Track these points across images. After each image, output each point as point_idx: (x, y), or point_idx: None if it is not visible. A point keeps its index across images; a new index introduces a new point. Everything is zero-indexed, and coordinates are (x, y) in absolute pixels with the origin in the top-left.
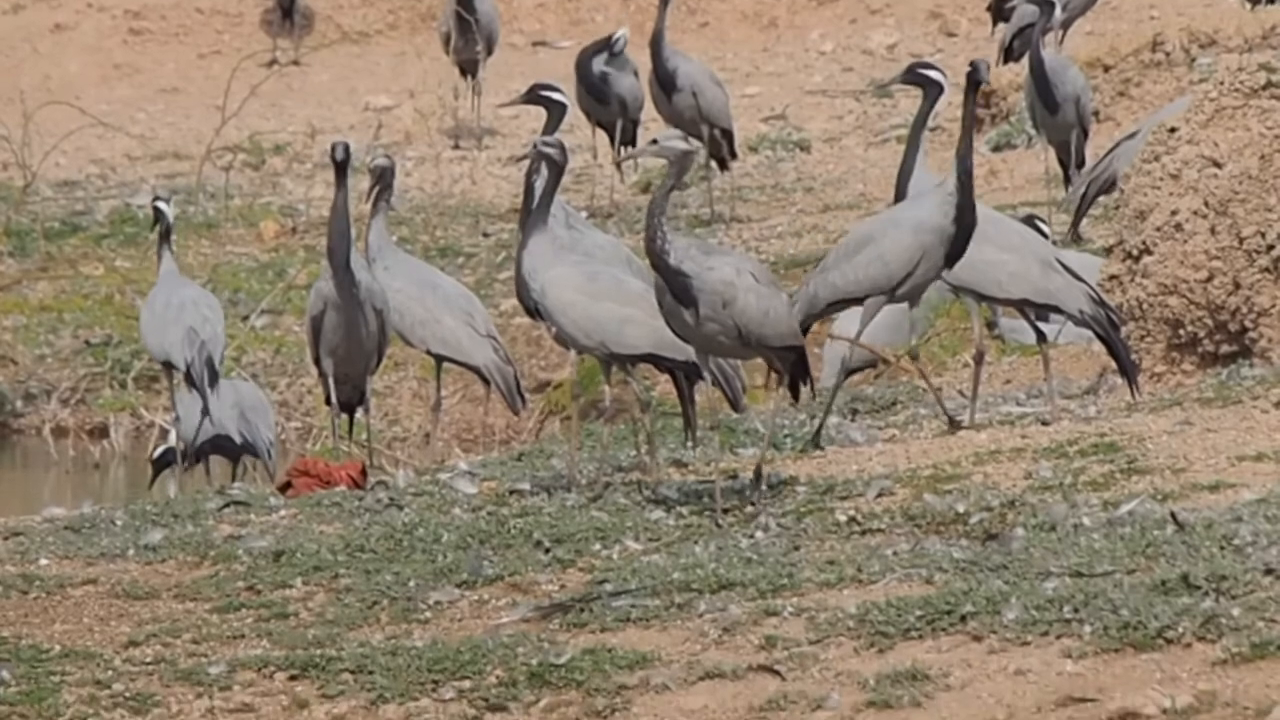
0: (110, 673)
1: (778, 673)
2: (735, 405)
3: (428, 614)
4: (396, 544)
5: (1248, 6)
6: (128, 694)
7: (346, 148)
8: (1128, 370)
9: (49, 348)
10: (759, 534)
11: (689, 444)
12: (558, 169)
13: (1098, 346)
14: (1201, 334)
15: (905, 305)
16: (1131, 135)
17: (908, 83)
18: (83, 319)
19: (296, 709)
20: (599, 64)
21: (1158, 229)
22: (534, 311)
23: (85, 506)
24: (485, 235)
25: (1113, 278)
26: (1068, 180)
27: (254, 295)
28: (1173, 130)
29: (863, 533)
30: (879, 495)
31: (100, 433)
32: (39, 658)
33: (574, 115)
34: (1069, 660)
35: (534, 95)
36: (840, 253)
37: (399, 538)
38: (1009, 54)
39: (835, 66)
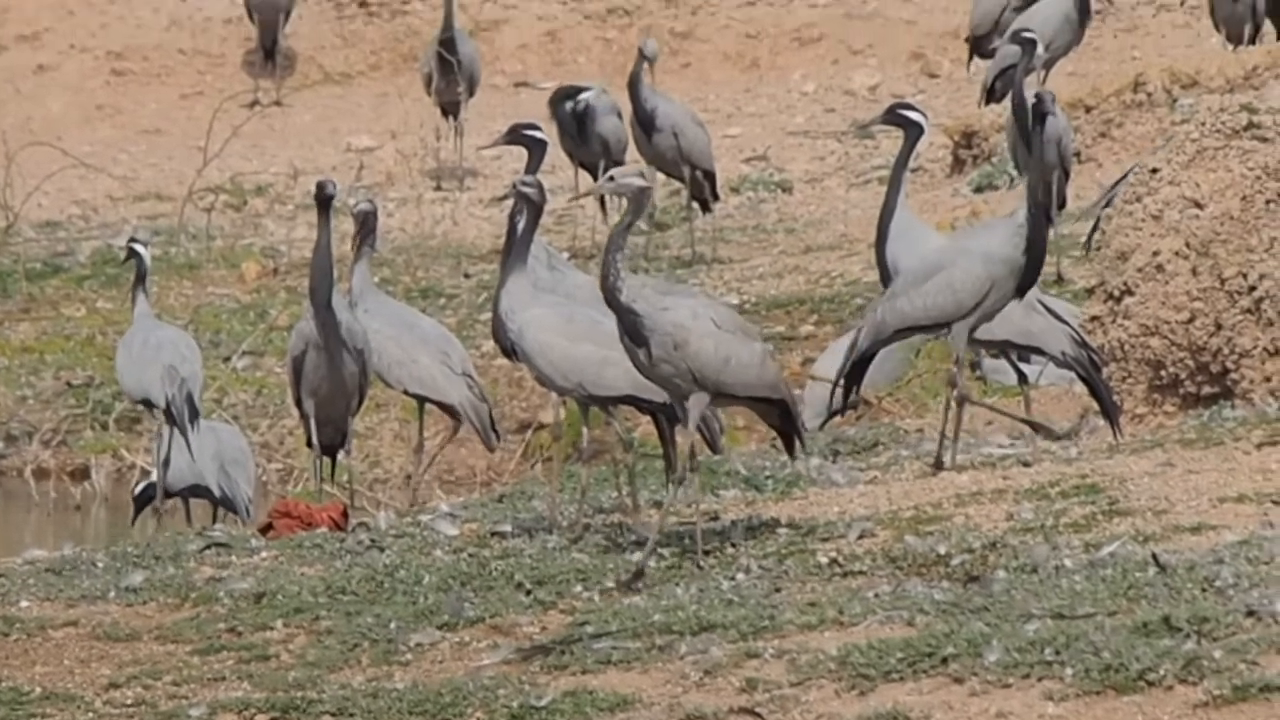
0: (91, 715)
1: (759, 715)
2: (713, 447)
3: (409, 656)
4: (378, 586)
5: (1229, 47)
6: None
7: (334, 185)
8: (1109, 411)
9: (30, 389)
10: (740, 576)
11: (670, 485)
12: (536, 209)
13: (1080, 388)
14: (1183, 375)
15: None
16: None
17: (888, 124)
18: (64, 360)
19: None
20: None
21: (1139, 270)
22: (511, 352)
23: (66, 548)
24: (467, 276)
25: (1094, 319)
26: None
27: (236, 337)
28: (1154, 171)
29: (844, 574)
30: (860, 537)
31: (82, 474)
32: (19, 700)
33: (557, 156)
34: (1050, 703)
35: (515, 135)
36: (908, 280)
37: (380, 580)
38: (991, 95)
39: (817, 107)
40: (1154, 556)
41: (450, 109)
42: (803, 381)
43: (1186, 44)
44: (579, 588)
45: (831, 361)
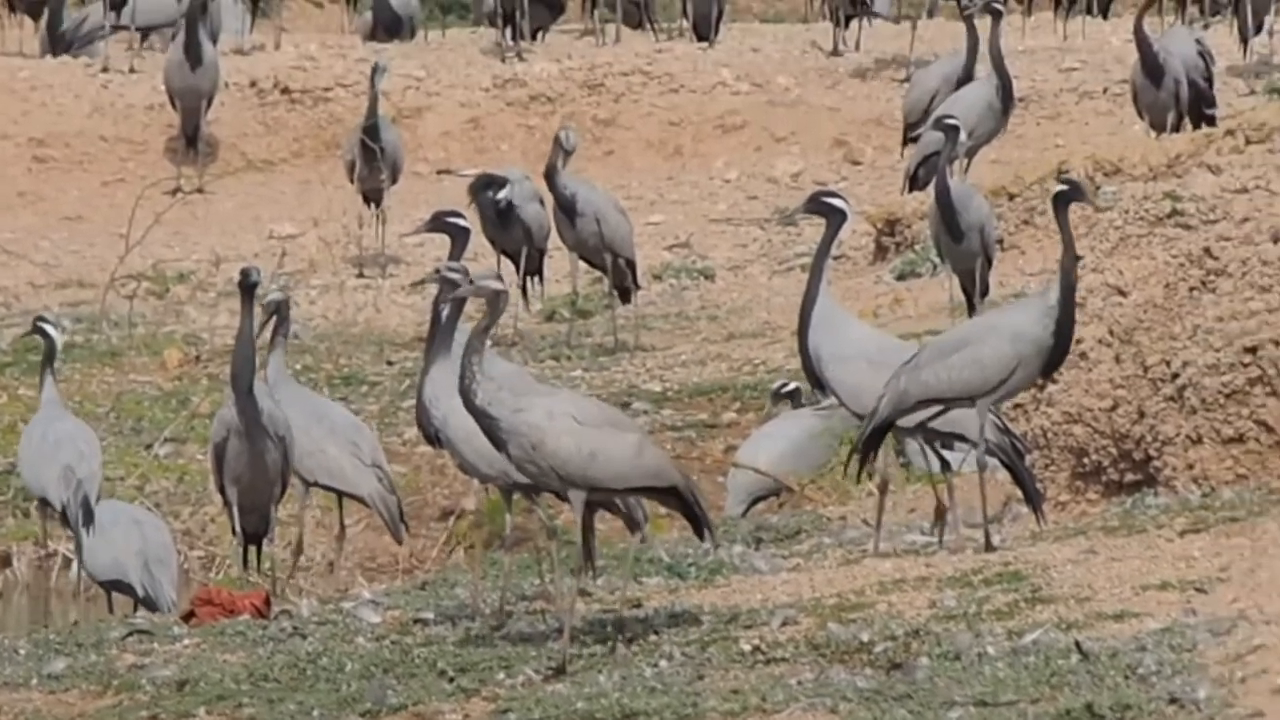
0: None
1: None
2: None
3: None
4: (300, 673)
5: (1152, 135)
6: None
7: (258, 273)
8: (1032, 498)
9: None
10: (663, 663)
11: (591, 575)
12: (460, 299)
13: (1003, 474)
14: (1106, 463)
15: (811, 431)
16: None
17: (811, 211)
18: None
19: None
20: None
21: None
22: (434, 440)
23: None
24: (389, 364)
25: (1018, 406)
26: (971, 309)
27: (158, 424)
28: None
29: (767, 662)
30: (783, 624)
31: (3, 562)
32: None
33: (479, 243)
34: None
35: (438, 223)
36: (934, 352)
37: (303, 667)
38: (914, 182)
39: (740, 194)
40: (1077, 644)
41: (373, 196)
42: (725, 469)
43: (1110, 131)
44: (502, 675)
45: (754, 448)
